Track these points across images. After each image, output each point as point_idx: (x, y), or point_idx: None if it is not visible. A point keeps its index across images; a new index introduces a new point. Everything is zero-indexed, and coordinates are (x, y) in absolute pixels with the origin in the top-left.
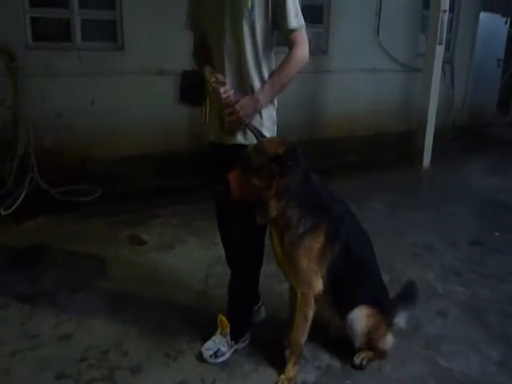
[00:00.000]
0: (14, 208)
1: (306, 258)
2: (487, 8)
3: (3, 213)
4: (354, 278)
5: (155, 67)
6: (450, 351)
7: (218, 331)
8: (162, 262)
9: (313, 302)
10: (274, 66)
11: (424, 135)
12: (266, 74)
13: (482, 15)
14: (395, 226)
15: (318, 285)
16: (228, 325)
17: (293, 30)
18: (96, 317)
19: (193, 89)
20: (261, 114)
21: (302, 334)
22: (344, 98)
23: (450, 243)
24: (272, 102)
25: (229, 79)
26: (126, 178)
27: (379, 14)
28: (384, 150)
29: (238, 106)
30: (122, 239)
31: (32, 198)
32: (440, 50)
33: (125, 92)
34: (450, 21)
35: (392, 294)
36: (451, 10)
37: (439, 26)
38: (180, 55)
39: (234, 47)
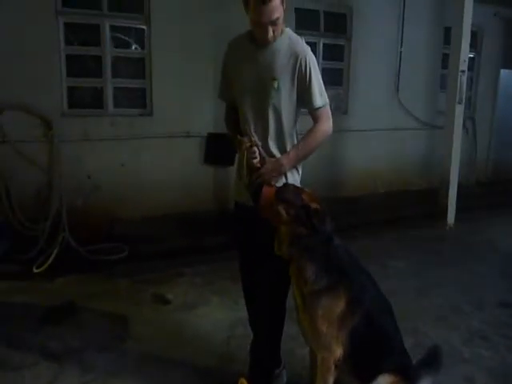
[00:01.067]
0: (45, 266)
1: (326, 321)
2: (507, 65)
3: (35, 270)
4: (375, 346)
5: (182, 131)
6: None
7: None
8: (185, 321)
9: (333, 367)
10: (295, 139)
11: (447, 192)
12: (287, 146)
13: (503, 72)
14: (419, 286)
15: (338, 350)
16: None
17: (318, 108)
18: (120, 377)
19: (218, 150)
20: (286, 177)
21: None
22: (366, 156)
23: (476, 305)
24: (297, 168)
25: None
26: (152, 238)
27: (398, 74)
28: (407, 208)
29: (263, 170)
30: (147, 298)
31: (63, 257)
32: (460, 109)
33: (153, 154)
34: (471, 78)
35: (415, 358)
36: (471, 68)
37: (458, 86)
38: (204, 120)
39: (260, 121)
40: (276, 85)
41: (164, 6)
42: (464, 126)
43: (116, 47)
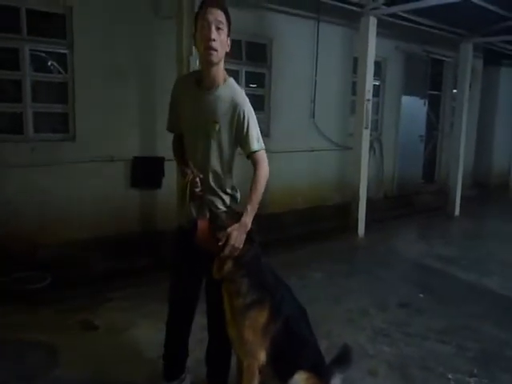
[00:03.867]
0: None
1: (251, 330)
2: (407, 92)
3: None
4: (294, 349)
5: (105, 155)
6: None
7: None
8: (115, 345)
9: (257, 372)
10: (233, 176)
11: (358, 207)
12: (225, 182)
13: (403, 98)
14: (332, 294)
15: (262, 356)
16: None
17: (254, 152)
18: None
19: (144, 173)
20: (225, 204)
21: None
22: (286, 175)
23: (380, 307)
24: (232, 194)
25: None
26: (77, 263)
27: (314, 100)
28: (323, 221)
29: (231, 241)
30: (74, 326)
31: None
32: (366, 133)
33: (76, 179)
34: (377, 103)
35: (330, 358)
36: (377, 94)
37: (364, 113)
38: (129, 144)
39: (201, 157)
40: (217, 127)
41: (87, 32)
42: (372, 146)
43: (36, 71)
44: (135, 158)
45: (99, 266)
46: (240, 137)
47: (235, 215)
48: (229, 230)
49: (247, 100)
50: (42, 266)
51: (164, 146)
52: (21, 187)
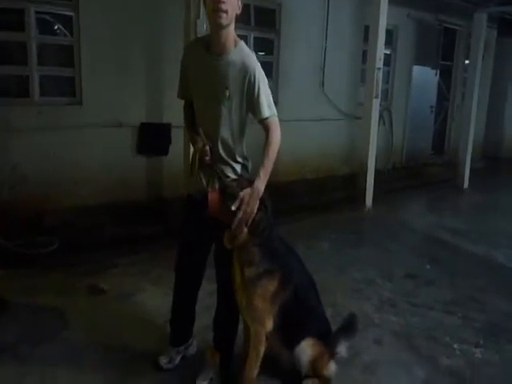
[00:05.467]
0: None
1: (261, 298)
2: (418, 62)
3: None
4: (300, 316)
5: (114, 120)
6: (384, 374)
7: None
8: (122, 310)
9: (264, 339)
10: (244, 146)
11: (366, 177)
12: (235, 151)
13: (415, 68)
14: (339, 263)
15: (270, 324)
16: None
17: (266, 118)
18: (59, 368)
19: (151, 140)
20: (236, 172)
21: (253, 369)
22: (294, 144)
23: (387, 277)
24: (244, 163)
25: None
26: (85, 228)
27: (323, 69)
28: (331, 192)
29: (244, 206)
30: (82, 290)
31: None
32: (376, 102)
33: (83, 144)
34: (388, 73)
35: (335, 326)
36: (387, 63)
37: (374, 82)
38: (137, 109)
39: (211, 125)
40: (228, 93)
41: None
42: (381, 117)
43: (42, 33)
44: (142, 124)
45: (106, 232)
46: (251, 102)
47: (246, 183)
48: (241, 194)
49: (258, 64)
50: (49, 231)
51: (171, 112)
52: (27, 151)
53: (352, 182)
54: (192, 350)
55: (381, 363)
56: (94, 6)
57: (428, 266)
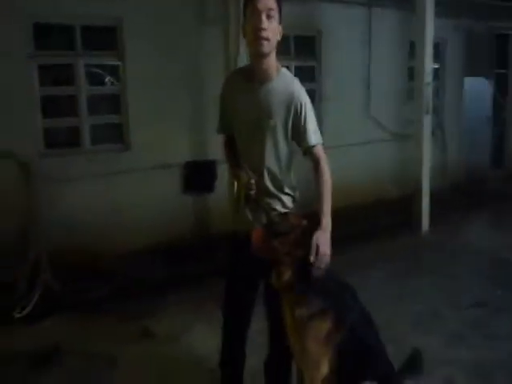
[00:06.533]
0: (27, 311)
1: (314, 341)
2: (470, 73)
3: (17, 315)
4: (359, 358)
5: (160, 162)
6: None
7: None
8: (173, 354)
9: None
10: (292, 177)
11: (420, 199)
12: (283, 183)
13: (466, 79)
14: (397, 294)
15: (326, 368)
16: None
17: (313, 146)
18: None
19: (197, 178)
20: (284, 204)
21: None
22: (341, 171)
23: (453, 307)
24: (291, 194)
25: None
26: (136, 271)
27: (368, 90)
28: (383, 218)
29: (322, 249)
30: (133, 334)
31: (46, 299)
32: (427, 119)
33: (133, 188)
34: (437, 88)
35: (397, 364)
36: (436, 78)
37: (424, 97)
38: (182, 148)
39: (256, 157)
40: (272, 124)
41: (138, 42)
42: (433, 133)
43: (91, 84)
44: (187, 162)
45: (156, 274)
46: (297, 131)
47: (294, 217)
48: (314, 238)
49: (303, 89)
50: (103, 277)
51: (216, 149)
52: (80, 199)
53: (405, 204)
54: None
55: None
56: (139, 54)
57: (499, 292)
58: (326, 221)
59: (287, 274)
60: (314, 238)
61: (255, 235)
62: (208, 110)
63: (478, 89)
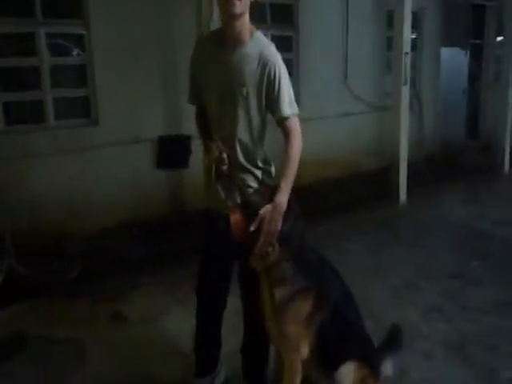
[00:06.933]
0: None
1: (294, 323)
2: (447, 43)
3: None
4: (340, 338)
5: (130, 137)
6: None
7: None
8: (146, 338)
9: (300, 368)
10: (264, 150)
11: (398, 171)
12: (256, 156)
13: (443, 50)
14: (374, 267)
15: (306, 350)
16: None
17: (286, 118)
18: None
19: (170, 153)
20: (259, 180)
21: None
22: (318, 143)
23: (430, 279)
24: (267, 169)
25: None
26: (106, 250)
27: (346, 61)
28: (360, 190)
29: (266, 226)
30: (103, 318)
31: (9, 284)
32: (405, 90)
33: (102, 164)
34: (414, 59)
35: (377, 340)
36: (414, 48)
37: (403, 68)
38: (154, 123)
39: (228, 129)
40: (244, 92)
41: (104, 9)
42: (410, 105)
43: (54, 56)
44: (160, 137)
45: (129, 253)
46: (270, 100)
47: (269, 191)
48: (261, 213)
49: (279, 55)
50: (71, 258)
51: (191, 123)
52: (45, 177)
53: (382, 176)
54: (219, 379)
55: (433, 383)
56: (105, 22)
57: (475, 263)
58: (279, 199)
59: (272, 255)
60: (261, 211)
61: (233, 220)
62: (182, 82)
63: (455, 59)
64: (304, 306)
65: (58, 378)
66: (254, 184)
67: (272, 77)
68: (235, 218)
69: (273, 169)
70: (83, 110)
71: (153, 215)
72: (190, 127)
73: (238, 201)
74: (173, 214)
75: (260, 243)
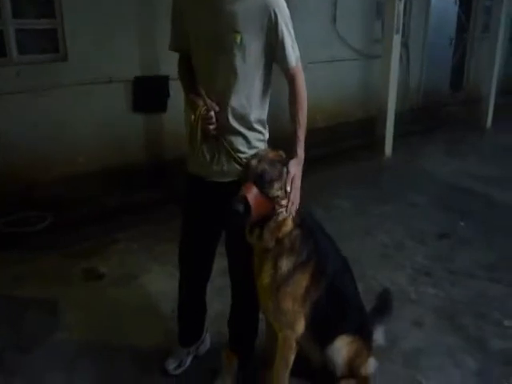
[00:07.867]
0: None
1: (292, 298)
2: None
3: None
4: (335, 312)
5: (103, 76)
6: (430, 367)
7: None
8: (123, 298)
9: (294, 344)
10: (265, 110)
11: (385, 123)
12: (251, 116)
13: None
14: (362, 225)
15: (301, 326)
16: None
17: (294, 67)
18: (51, 376)
19: (147, 96)
20: (249, 141)
21: (282, 378)
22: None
23: (418, 239)
24: (260, 129)
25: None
26: (78, 200)
27: (335, 4)
28: (347, 140)
29: (296, 182)
30: (77, 275)
31: None
32: (397, 39)
33: (71, 105)
34: (404, 6)
35: (366, 304)
36: None
37: (395, 15)
38: (130, 62)
39: (218, 83)
40: (239, 39)
41: None
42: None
43: None
44: (136, 78)
45: (103, 202)
46: (273, 49)
47: (271, 153)
48: (291, 170)
49: None
50: (40, 206)
51: (169, 64)
52: (9, 117)
53: (369, 127)
54: (204, 347)
55: (424, 352)
56: None
57: (462, 223)
58: (301, 151)
59: (288, 225)
60: (290, 169)
61: (251, 197)
62: (161, 18)
63: (444, 8)
64: (302, 280)
65: (25, 345)
66: (242, 148)
67: (273, 20)
68: (251, 193)
69: (266, 133)
70: (50, 44)
71: (128, 162)
72: (168, 68)
73: (225, 167)
74: (150, 161)
75: (291, 203)
